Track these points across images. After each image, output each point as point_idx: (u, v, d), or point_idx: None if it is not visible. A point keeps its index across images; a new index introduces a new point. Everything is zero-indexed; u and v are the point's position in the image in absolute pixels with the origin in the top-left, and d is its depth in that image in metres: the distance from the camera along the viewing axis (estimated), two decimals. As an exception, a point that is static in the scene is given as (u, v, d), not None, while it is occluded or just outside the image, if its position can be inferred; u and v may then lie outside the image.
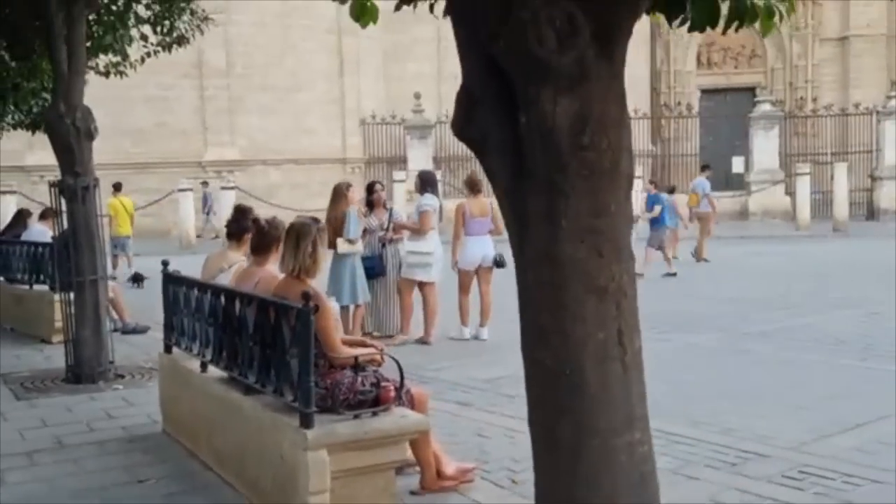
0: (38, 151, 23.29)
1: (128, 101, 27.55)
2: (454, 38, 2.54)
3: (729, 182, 33.56)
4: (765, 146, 32.76)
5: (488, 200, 9.17)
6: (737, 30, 3.90)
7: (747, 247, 22.75)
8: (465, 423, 6.78)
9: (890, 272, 14.68)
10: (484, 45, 2.39)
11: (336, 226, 9.73)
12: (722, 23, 3.41)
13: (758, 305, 12.61)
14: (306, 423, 4.47)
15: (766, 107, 33.02)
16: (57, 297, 9.11)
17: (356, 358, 4.73)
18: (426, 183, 10.06)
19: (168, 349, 6.50)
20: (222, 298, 5.46)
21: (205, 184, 27.65)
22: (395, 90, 31.89)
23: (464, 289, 10.22)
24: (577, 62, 2.27)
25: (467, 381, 8.23)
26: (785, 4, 3.91)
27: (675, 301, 13.18)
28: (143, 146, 28.83)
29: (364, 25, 3.83)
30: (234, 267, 6.13)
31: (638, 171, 29.04)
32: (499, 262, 9.84)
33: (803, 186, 28.86)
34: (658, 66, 38.97)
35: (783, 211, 31.71)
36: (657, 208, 16.69)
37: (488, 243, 10.09)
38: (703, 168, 22.72)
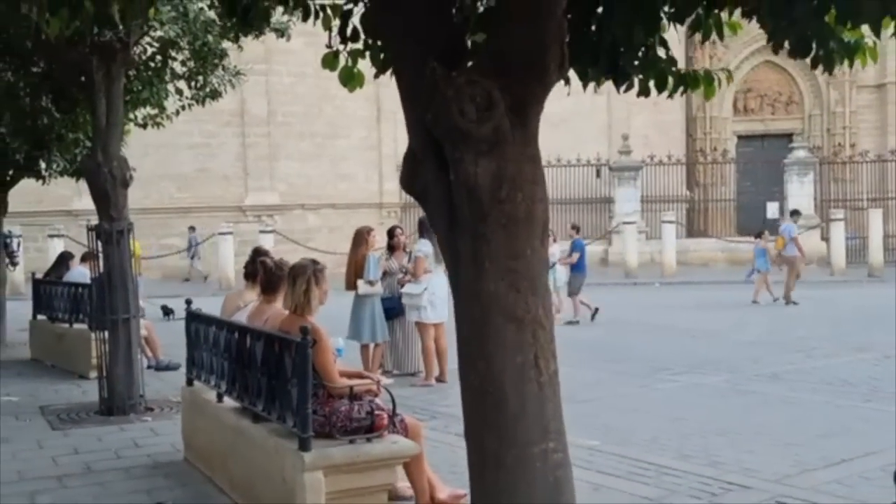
0: (86, 197, 23.99)
1: (173, 148, 28.53)
2: (403, 110, 3.01)
3: (765, 227, 33.68)
4: (799, 191, 32.85)
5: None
6: (682, 94, 4.37)
7: (776, 292, 22.83)
8: (459, 454, 7.13)
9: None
10: (422, 117, 2.85)
11: (357, 268, 10.23)
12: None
13: (774, 348, 12.85)
14: (304, 446, 4.91)
15: (801, 153, 33.18)
16: (94, 334, 9.64)
17: (351, 388, 5.17)
18: (424, 228, 10.47)
19: (190, 382, 6.98)
20: (236, 334, 5.95)
21: (192, 228, 28.53)
22: (430, 137, 32.54)
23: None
24: (494, 131, 2.72)
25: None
26: (725, 73, 4.37)
27: (689, 342, 13.44)
28: (187, 191, 29.73)
29: (351, 90, 4.33)
30: (250, 305, 6.61)
31: (671, 216, 29.48)
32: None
33: (838, 232, 28.89)
34: (694, 113, 39.26)
35: (819, 256, 31.69)
36: (575, 255, 16.79)
37: None
38: (793, 213, 23.01)
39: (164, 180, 29.55)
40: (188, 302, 6.98)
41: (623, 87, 4.06)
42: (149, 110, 11.16)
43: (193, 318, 6.82)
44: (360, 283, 10.23)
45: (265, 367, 5.41)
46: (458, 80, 2.73)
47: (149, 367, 11.16)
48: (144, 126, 11.53)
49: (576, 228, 18.39)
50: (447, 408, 9.03)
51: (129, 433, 8.00)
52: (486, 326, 2.84)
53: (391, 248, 10.87)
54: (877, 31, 3.57)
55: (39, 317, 12.84)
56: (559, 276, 16.15)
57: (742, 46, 36.71)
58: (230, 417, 5.99)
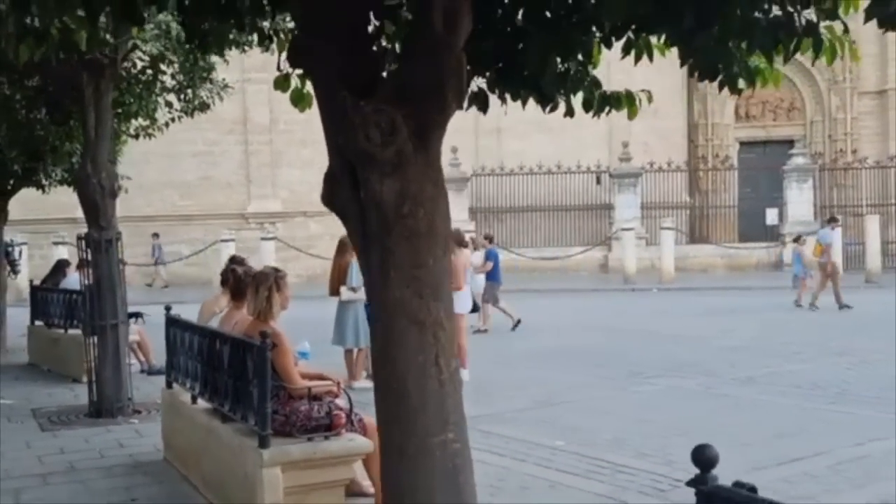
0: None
1: (177, 157, 28.99)
2: (324, 134, 3.32)
3: (766, 233, 33.92)
4: (798, 198, 33.12)
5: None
6: (607, 114, 4.67)
7: (773, 298, 23.07)
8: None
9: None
10: (337, 141, 3.17)
11: (340, 275, 10.55)
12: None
13: (755, 353, 13.10)
14: (263, 444, 5.23)
15: (800, 159, 33.42)
16: (86, 339, 9.96)
17: (309, 389, 5.48)
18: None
19: (170, 385, 7.30)
20: (207, 339, 6.26)
21: (155, 235, 28.96)
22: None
23: (463, 332, 10.91)
24: (397, 154, 3.03)
25: (450, 419, 8.88)
26: (647, 93, 4.67)
27: (674, 347, 13.70)
28: (190, 198, 30.15)
29: (302, 110, 4.65)
30: (225, 311, 6.93)
31: (670, 222, 29.71)
32: (477, 308, 10.61)
33: (837, 239, 29.06)
34: (695, 119, 39.47)
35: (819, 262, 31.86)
36: (489, 264, 16.84)
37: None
38: (830, 220, 23.19)
39: (167, 188, 29.99)
40: (167, 308, 7.29)
41: (548, 108, 4.38)
42: (140, 122, 11.50)
43: (172, 323, 7.13)
44: (343, 289, 10.56)
45: (231, 370, 5.73)
46: (366, 108, 3.04)
47: (142, 371, 11.51)
48: (137, 137, 11.90)
49: (489, 238, 18.53)
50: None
51: (115, 434, 8.32)
52: (392, 329, 3.14)
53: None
54: (769, 59, 3.88)
55: (37, 323, 13.20)
56: (476, 284, 16.19)
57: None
58: (202, 418, 6.31)
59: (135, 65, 10.18)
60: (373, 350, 3.32)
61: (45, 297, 12.90)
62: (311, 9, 3.31)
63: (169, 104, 11.04)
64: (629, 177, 33.31)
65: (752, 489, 2.36)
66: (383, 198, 3.05)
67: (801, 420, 8.60)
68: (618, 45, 4.13)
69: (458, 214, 32.00)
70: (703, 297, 23.42)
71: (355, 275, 10.49)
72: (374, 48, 3.37)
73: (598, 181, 34.18)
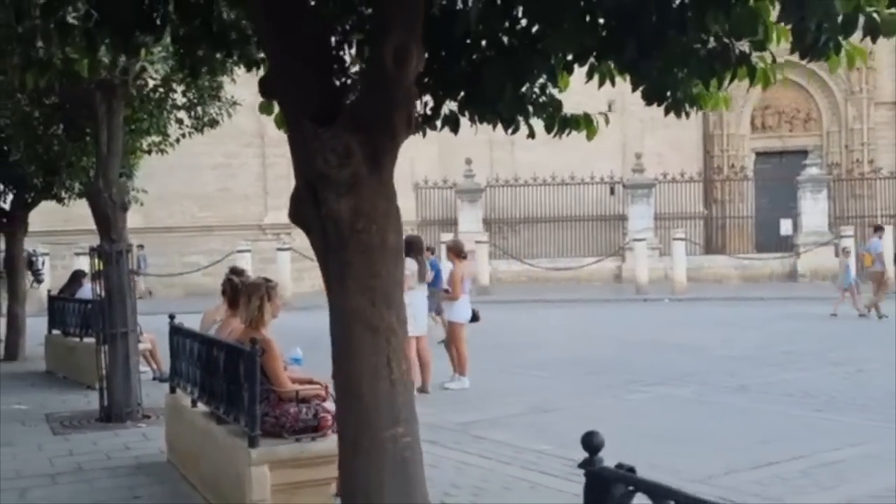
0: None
1: (196, 169, 29.51)
2: (291, 157, 3.68)
3: (780, 244, 34.03)
4: (813, 208, 33.20)
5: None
6: (567, 134, 5.00)
7: (784, 308, 23.24)
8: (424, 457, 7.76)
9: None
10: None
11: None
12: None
13: (754, 362, 13.32)
14: (252, 443, 5.58)
15: (814, 170, 33.52)
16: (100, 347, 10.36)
17: (297, 392, 5.82)
18: (409, 247, 11.10)
19: (173, 390, 7.66)
20: (205, 346, 6.62)
21: (140, 247, 29.25)
22: (447, 156, 33.22)
23: (463, 340, 11.24)
24: (352, 176, 3.37)
25: (444, 424, 9.17)
26: (603, 116, 5.00)
27: (675, 357, 13.95)
28: (209, 210, 30.67)
29: (279, 127, 5.00)
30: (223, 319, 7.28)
31: (682, 233, 29.90)
32: (476, 317, 10.94)
33: (848, 249, 29.17)
34: (711, 130, 39.62)
35: (832, 273, 31.94)
36: (430, 273, 16.95)
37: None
38: (877, 229, 23.32)
39: (187, 200, 30.53)
40: (171, 317, 7.66)
41: (510, 130, 4.72)
42: (153, 138, 11.93)
43: (175, 331, 7.51)
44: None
45: (226, 375, 6.08)
46: (324, 134, 3.39)
47: (154, 378, 11.91)
48: (149, 152, 12.33)
49: (430, 250, 18.77)
50: (421, 416, 9.47)
51: (123, 438, 8.70)
52: (348, 333, 3.48)
53: (378, 266, 11.54)
54: (706, 86, 4.20)
55: (54, 331, 13.64)
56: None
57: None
58: (201, 421, 6.66)
59: (146, 84, 10.59)
60: (332, 353, 3.66)
61: (61, 306, 13.35)
62: (280, 44, 3.67)
63: (180, 121, 11.46)
64: (642, 187, 33.54)
65: (631, 469, 2.66)
66: (340, 215, 3.39)
67: (784, 427, 8.85)
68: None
69: (473, 226, 32.40)
70: (714, 308, 23.60)
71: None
72: (341, 79, 3.71)
73: (612, 192, 34.45)
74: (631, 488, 2.60)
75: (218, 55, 5.03)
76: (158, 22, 4.74)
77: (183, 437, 7.25)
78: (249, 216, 30.89)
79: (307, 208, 3.54)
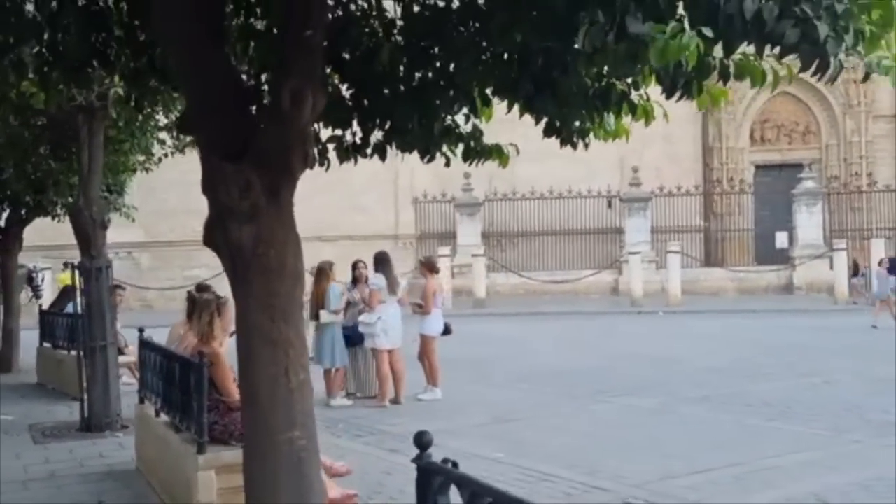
0: (110, 231, 25.48)
1: (196, 185, 29.68)
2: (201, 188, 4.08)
3: (779, 256, 34.28)
4: (808, 222, 33.48)
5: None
6: (482, 163, 5.39)
7: (776, 320, 23.54)
8: (378, 464, 8.16)
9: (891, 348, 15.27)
10: (211, 195, 3.94)
11: (319, 300, 11.32)
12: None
13: (725, 374, 13.65)
14: (200, 450, 5.97)
15: (809, 183, 33.81)
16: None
17: (243, 402, 6.21)
18: (378, 262, 11.53)
19: (141, 400, 8.06)
20: (166, 359, 7.03)
21: (34, 268, 29.37)
22: (446, 170, 33.48)
23: (435, 353, 11.63)
24: (252, 206, 3.78)
25: (408, 434, 9.47)
26: (514, 146, 5.39)
27: (649, 368, 14.29)
28: (210, 225, 31.14)
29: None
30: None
31: (676, 246, 30.21)
32: (448, 330, 11.34)
33: (840, 261, 29.51)
34: (710, 143, 39.93)
35: (828, 285, 32.18)
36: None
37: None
38: None
39: (188, 214, 30.94)
40: (140, 330, 8.08)
41: (426, 159, 5.12)
42: (139, 157, 12.39)
43: (143, 345, 7.92)
44: (322, 313, 11.32)
45: (181, 385, 6.48)
46: (227, 169, 3.79)
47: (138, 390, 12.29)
48: (134, 171, 12.79)
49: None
50: (389, 426, 10.04)
51: (99, 447, 9.09)
52: (251, 346, 3.88)
53: (355, 280, 11.94)
54: (591, 121, 4.60)
55: (45, 344, 14.08)
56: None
57: (758, 77, 37.32)
58: (161, 429, 7.06)
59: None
60: (238, 363, 4.05)
61: (51, 320, 13.80)
62: (196, 86, 4.08)
63: (162, 142, 11.90)
64: (639, 201, 33.88)
65: (455, 464, 3.03)
66: (242, 241, 3.80)
67: (734, 435, 9.19)
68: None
69: (471, 239, 32.82)
70: (705, 321, 23.87)
71: (333, 299, 11.27)
72: (250, 119, 4.12)
73: (610, 205, 34.81)
74: (444, 479, 2.97)
75: (162, 87, 5.46)
76: (112, 58, 5.20)
77: (147, 445, 7.66)
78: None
79: (217, 234, 3.94)
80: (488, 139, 5.29)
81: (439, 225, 33.79)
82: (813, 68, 3.37)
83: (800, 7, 3.30)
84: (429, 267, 11.88)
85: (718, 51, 3.80)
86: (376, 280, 11.26)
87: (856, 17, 3.28)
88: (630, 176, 34.23)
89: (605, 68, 4.16)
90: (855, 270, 30.89)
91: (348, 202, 32.18)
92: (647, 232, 33.69)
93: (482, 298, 29.20)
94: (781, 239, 34.42)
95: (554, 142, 5.39)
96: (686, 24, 3.33)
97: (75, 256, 25.65)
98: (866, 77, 3.57)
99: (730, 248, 37.28)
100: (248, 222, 3.77)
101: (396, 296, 11.33)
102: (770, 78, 3.85)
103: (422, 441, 3.06)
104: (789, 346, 17.48)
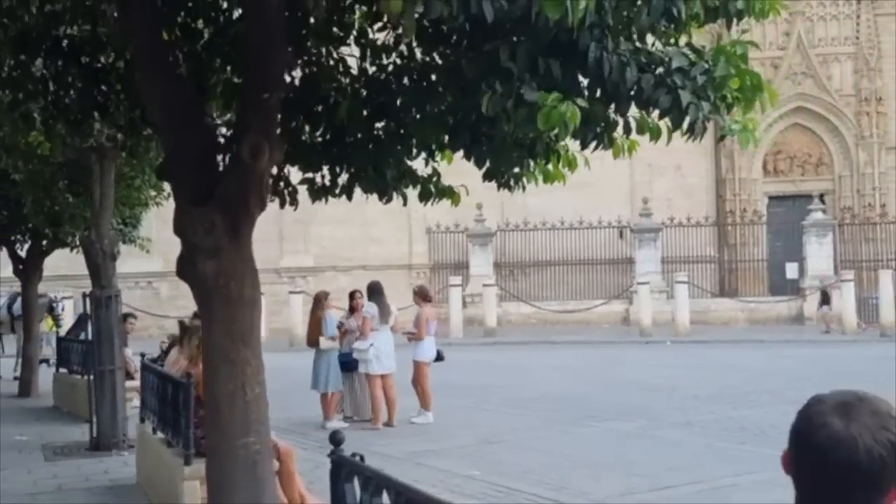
0: (129, 260, 26.28)
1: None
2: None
3: (791, 287, 34.53)
4: (818, 252, 33.77)
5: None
6: (437, 202, 5.98)
7: (782, 350, 23.84)
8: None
9: (890, 378, 15.54)
10: (182, 233, 4.59)
11: (316, 327, 11.95)
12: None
13: (711, 400, 14.08)
14: (187, 461, 6.59)
15: (819, 215, 34.14)
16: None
17: (227, 419, 6.82)
18: (371, 292, 12.15)
19: (142, 420, 8.70)
20: (161, 380, 7.66)
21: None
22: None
23: (426, 378, 12.20)
24: (215, 243, 4.41)
25: (395, 454, 10.08)
26: (464, 188, 5.99)
27: (641, 395, 14.75)
28: (228, 255, 31.92)
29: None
30: (182, 357, 8.32)
31: (684, 276, 30.59)
32: (441, 357, 11.92)
33: (848, 292, 29.79)
34: (723, 174, 40.33)
35: (839, 316, 32.40)
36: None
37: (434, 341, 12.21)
38: None
39: (206, 245, 31.82)
40: (142, 355, 8.73)
41: (384, 200, 5.74)
42: (151, 192, 13.13)
43: (144, 368, 8.57)
44: (322, 339, 11.94)
45: (172, 403, 7.11)
46: (193, 211, 4.43)
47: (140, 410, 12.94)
48: (146, 205, 13.52)
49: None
50: (380, 447, 10.58)
51: (105, 464, 9.73)
52: (213, 364, 4.50)
53: (352, 308, 12.55)
54: (521, 168, 5.20)
55: (61, 370, 14.78)
56: None
57: (771, 110, 37.73)
58: (156, 445, 7.69)
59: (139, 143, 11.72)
60: (203, 378, 4.67)
61: (67, 346, 14.51)
62: (171, 139, 4.74)
63: (170, 178, 12.59)
64: (649, 231, 34.35)
65: (361, 458, 3.61)
66: (206, 274, 4.43)
67: (702, 457, 9.68)
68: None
69: (483, 269, 33.38)
70: (712, 350, 24.17)
71: (330, 326, 11.89)
72: (217, 168, 4.76)
73: (621, 235, 35.29)
74: (350, 469, 3.55)
75: (154, 136, 6.13)
76: (111, 110, 5.89)
77: (146, 461, 8.28)
78: (266, 260, 31.92)
79: (187, 268, 4.58)
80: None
81: (452, 255, 34.40)
82: (684, 127, 3.98)
83: (671, 78, 3.91)
84: (422, 295, 12.50)
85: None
86: (369, 308, 11.87)
87: (718, 87, 3.88)
88: (641, 206, 34.72)
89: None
90: (824, 299, 31.12)
91: (363, 233, 32.90)
92: (657, 262, 34.10)
93: (493, 328, 29.71)
94: (792, 269, 34.69)
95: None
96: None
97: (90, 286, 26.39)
98: (721, 138, 4.13)
99: (743, 278, 37.54)
100: (211, 258, 4.40)
101: (388, 324, 11.92)
102: (665, 133, 4.44)
103: (335, 439, 3.65)
104: (783, 375, 17.83)
